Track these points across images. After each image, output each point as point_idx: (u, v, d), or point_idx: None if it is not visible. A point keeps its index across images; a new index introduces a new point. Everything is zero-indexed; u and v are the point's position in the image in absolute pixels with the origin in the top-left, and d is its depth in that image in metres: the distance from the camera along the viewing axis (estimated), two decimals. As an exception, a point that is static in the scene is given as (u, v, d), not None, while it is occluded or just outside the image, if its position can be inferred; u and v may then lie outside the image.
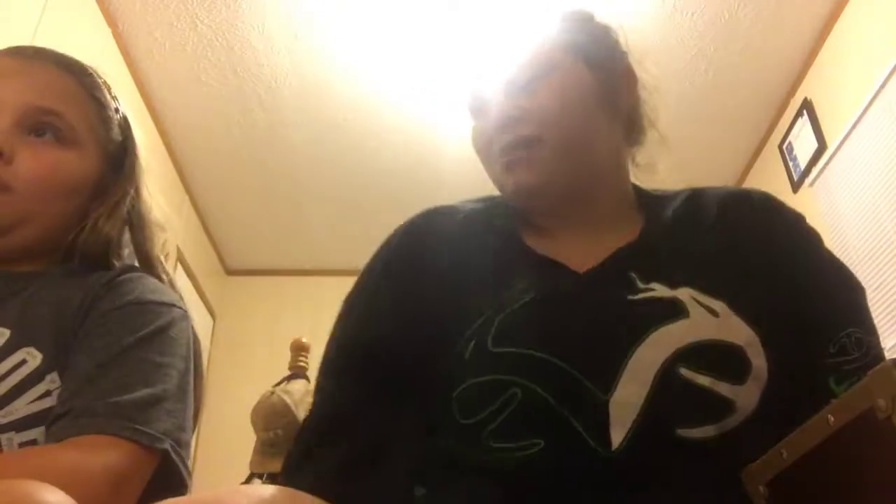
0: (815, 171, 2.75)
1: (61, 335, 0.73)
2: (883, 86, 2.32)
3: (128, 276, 0.81)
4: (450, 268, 0.74)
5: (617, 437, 0.60)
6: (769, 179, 3.16)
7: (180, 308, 0.81)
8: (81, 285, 0.78)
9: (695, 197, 0.79)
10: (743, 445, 0.59)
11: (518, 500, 0.61)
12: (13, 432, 0.66)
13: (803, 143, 2.84)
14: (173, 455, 0.69)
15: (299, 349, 2.25)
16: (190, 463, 0.74)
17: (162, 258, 0.90)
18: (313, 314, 2.59)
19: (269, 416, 2.03)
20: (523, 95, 0.74)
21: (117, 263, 0.86)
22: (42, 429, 0.67)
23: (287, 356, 2.25)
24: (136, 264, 0.87)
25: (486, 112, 0.76)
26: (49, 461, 0.61)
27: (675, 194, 0.81)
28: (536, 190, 0.74)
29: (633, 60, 0.82)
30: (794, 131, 2.92)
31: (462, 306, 0.70)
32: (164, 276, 0.87)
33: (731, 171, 3.38)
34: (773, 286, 0.69)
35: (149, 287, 0.80)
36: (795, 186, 2.93)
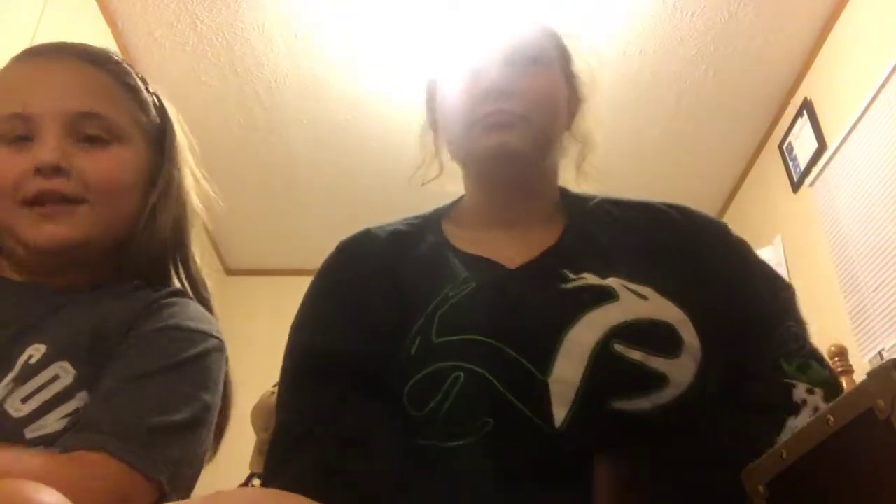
0: (815, 171, 2.75)
1: (97, 353, 0.71)
2: (883, 86, 2.32)
3: (173, 299, 0.79)
4: (384, 274, 0.78)
5: (559, 414, 0.63)
6: (769, 179, 3.16)
7: (218, 339, 0.78)
8: (124, 304, 0.76)
9: (614, 202, 0.86)
10: (679, 419, 0.63)
11: (472, 483, 0.63)
12: (42, 447, 0.65)
13: (803, 143, 2.84)
14: (166, 488, 0.66)
15: (299, 349, 2.25)
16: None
17: (204, 279, 0.89)
18: (313, 314, 2.59)
19: (269, 416, 2.02)
20: (520, 77, 0.80)
21: (173, 274, 0.84)
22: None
23: (287, 356, 2.25)
24: (185, 283, 0.86)
25: (478, 78, 0.80)
26: (51, 470, 0.60)
27: (593, 197, 0.88)
28: (513, 152, 0.78)
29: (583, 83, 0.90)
30: (794, 131, 2.92)
31: (403, 307, 0.73)
32: (206, 296, 0.86)
33: (731, 171, 3.38)
34: (703, 286, 0.74)
35: (191, 314, 0.78)
36: (795, 186, 2.93)
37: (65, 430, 0.67)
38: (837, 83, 2.62)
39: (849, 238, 2.52)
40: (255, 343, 3.83)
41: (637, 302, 0.69)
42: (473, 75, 0.81)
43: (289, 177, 3.29)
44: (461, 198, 0.91)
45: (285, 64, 2.71)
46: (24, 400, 0.67)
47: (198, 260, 0.88)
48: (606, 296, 0.69)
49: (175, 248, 0.87)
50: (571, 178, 0.91)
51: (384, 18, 2.52)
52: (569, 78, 0.88)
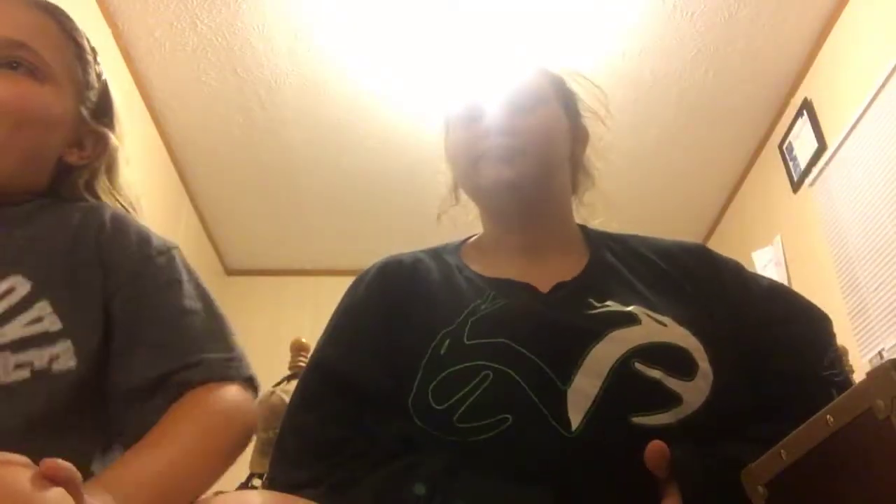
0: (815, 171, 2.74)
1: (55, 258, 0.74)
2: (883, 86, 2.32)
3: (118, 214, 0.83)
4: (414, 299, 0.84)
5: (575, 419, 0.67)
6: (769, 179, 3.16)
7: (170, 245, 0.84)
8: (66, 213, 0.79)
9: (636, 241, 0.92)
10: (696, 433, 0.66)
11: (486, 476, 0.66)
12: (9, 352, 0.67)
13: (803, 143, 2.84)
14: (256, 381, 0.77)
15: (299, 349, 2.25)
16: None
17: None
18: (313, 314, 2.58)
19: (269, 416, 2.03)
20: (521, 115, 0.87)
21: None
22: (38, 350, 0.68)
23: (287, 356, 2.25)
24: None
25: (479, 120, 0.87)
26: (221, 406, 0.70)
27: (617, 235, 0.94)
28: (516, 182, 0.85)
29: (590, 117, 0.98)
30: (794, 131, 2.91)
31: (430, 323, 0.78)
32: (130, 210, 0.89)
33: (731, 171, 3.38)
34: (718, 320, 0.80)
35: (146, 231, 0.83)
36: (795, 186, 2.93)
37: (29, 338, 0.68)
38: (837, 83, 2.62)
39: (849, 238, 2.52)
40: (254, 343, 3.83)
41: (658, 327, 0.74)
42: (476, 116, 0.88)
43: (289, 177, 3.28)
44: (479, 235, 0.98)
45: (285, 64, 2.71)
46: None
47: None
48: (630, 319, 0.75)
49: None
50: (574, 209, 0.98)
51: (384, 19, 2.52)
52: (570, 114, 0.94)
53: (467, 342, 0.74)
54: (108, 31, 2.48)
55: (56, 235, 0.77)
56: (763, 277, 0.91)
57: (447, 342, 0.75)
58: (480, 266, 0.89)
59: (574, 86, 0.97)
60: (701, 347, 0.73)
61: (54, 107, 0.81)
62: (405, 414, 0.73)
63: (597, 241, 0.92)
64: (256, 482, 1.94)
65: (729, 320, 0.80)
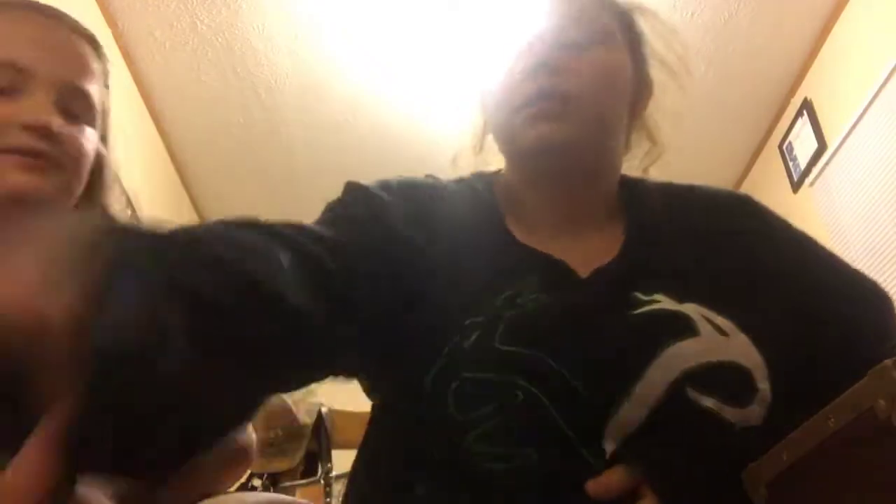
0: (815, 171, 2.75)
1: None
2: (883, 86, 2.32)
3: None
4: (447, 244, 0.68)
5: (610, 448, 0.58)
6: (769, 179, 3.16)
7: None
8: None
9: (679, 198, 0.77)
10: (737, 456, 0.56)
11: None
12: None
13: (803, 143, 2.84)
14: None
15: (299, 349, 2.25)
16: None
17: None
18: (313, 314, 2.58)
19: (269, 416, 2.03)
20: (573, 53, 0.69)
21: None
22: None
23: (287, 356, 2.25)
24: None
25: (522, 58, 0.70)
26: None
27: (656, 190, 0.78)
28: (559, 146, 0.68)
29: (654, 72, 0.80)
30: (794, 131, 2.91)
31: (457, 296, 0.65)
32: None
33: (731, 171, 3.38)
34: (787, 300, 0.67)
35: None
36: (795, 186, 2.93)
37: None
38: (837, 83, 2.62)
39: (849, 238, 2.52)
40: (255, 343, 3.83)
41: (717, 339, 0.61)
42: (522, 51, 0.70)
43: (289, 177, 3.28)
44: (509, 180, 0.79)
45: (285, 64, 2.71)
46: None
47: None
48: (685, 328, 0.61)
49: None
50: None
51: (384, 18, 2.52)
52: (637, 60, 0.76)
53: (499, 346, 0.61)
54: (108, 31, 2.48)
55: None
56: (820, 247, 0.76)
57: (475, 336, 0.61)
58: (515, 223, 0.73)
59: (644, 26, 0.78)
60: (763, 364, 0.61)
61: (93, 151, 0.81)
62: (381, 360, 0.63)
63: (635, 206, 0.76)
64: (256, 482, 1.94)
65: (782, 298, 0.67)
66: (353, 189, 0.75)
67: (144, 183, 2.71)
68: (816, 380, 0.59)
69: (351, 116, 2.96)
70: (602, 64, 0.70)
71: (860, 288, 0.74)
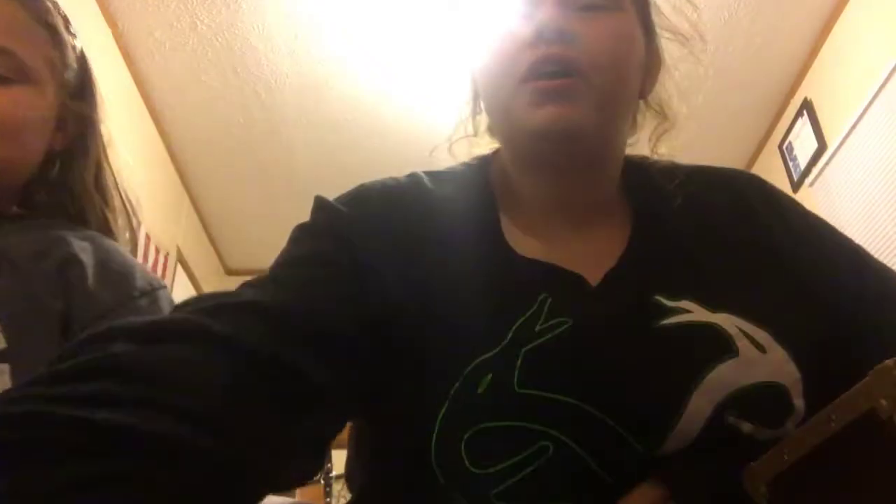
0: (815, 171, 2.75)
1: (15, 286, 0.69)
2: (883, 86, 2.32)
3: (102, 246, 0.77)
4: (437, 269, 0.60)
5: None
6: (769, 179, 3.14)
7: (161, 285, 0.80)
8: (30, 237, 0.74)
9: (688, 179, 0.70)
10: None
11: None
12: None
13: (803, 143, 2.84)
14: None
15: (299, 349, 2.24)
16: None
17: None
18: (313, 314, 2.59)
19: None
20: (581, 18, 0.60)
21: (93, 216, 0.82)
22: None
23: (287, 356, 2.25)
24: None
25: (527, 19, 0.60)
26: None
27: (662, 171, 0.71)
28: (570, 132, 0.58)
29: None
30: (794, 131, 2.91)
31: (458, 330, 0.56)
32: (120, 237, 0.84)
33: (731, 171, 3.38)
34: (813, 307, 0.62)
35: (130, 269, 0.78)
36: (795, 186, 2.93)
37: None
38: (837, 83, 2.62)
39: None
40: (254, 343, 3.83)
41: (755, 357, 0.56)
42: (520, 17, 0.61)
43: (289, 177, 3.28)
44: (503, 169, 0.69)
45: (285, 64, 2.71)
46: None
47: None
48: (724, 348, 0.56)
49: (97, 192, 0.84)
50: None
51: (384, 18, 2.52)
52: (647, 29, 0.67)
53: (518, 390, 0.53)
54: (108, 31, 2.48)
55: (21, 262, 0.72)
56: (839, 235, 0.70)
57: (488, 378, 0.53)
58: (514, 229, 0.64)
59: None
60: (799, 378, 0.57)
61: (38, 108, 0.77)
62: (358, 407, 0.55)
63: (641, 190, 0.69)
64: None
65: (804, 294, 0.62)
66: (322, 210, 0.67)
67: (144, 183, 2.71)
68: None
69: (351, 116, 2.96)
70: (617, 30, 0.61)
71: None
